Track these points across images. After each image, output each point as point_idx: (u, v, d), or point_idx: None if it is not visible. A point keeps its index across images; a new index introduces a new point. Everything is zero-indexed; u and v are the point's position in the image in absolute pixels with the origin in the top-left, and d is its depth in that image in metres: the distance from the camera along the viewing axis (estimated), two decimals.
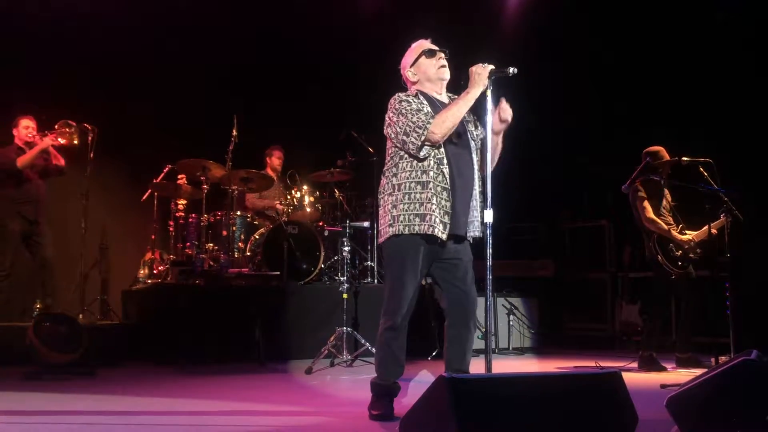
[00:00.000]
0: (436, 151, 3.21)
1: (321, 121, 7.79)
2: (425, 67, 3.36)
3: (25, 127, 6.23)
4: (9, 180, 6.15)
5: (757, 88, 6.73)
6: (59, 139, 6.23)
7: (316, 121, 7.90)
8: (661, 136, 5.72)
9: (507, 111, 3.25)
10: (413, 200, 3.20)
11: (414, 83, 3.40)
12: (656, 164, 5.43)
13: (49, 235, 6.32)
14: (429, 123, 3.15)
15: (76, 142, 6.28)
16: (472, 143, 3.34)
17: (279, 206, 6.81)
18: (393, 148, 3.33)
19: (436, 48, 3.39)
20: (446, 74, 3.37)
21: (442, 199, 3.17)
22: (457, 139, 3.27)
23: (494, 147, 3.25)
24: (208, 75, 7.56)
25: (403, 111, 3.22)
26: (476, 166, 3.30)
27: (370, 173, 6.80)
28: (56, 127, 6.26)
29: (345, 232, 5.99)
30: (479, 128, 3.40)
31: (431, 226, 3.15)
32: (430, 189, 3.17)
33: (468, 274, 3.29)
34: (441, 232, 3.15)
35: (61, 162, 6.34)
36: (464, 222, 3.24)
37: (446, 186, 3.18)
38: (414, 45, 3.45)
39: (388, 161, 3.36)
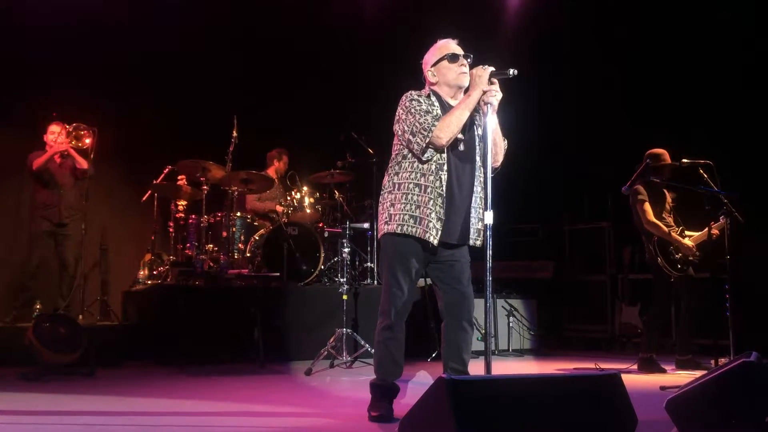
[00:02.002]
0: (439, 156, 3.20)
1: (321, 123, 7.79)
2: (445, 71, 3.31)
3: (51, 133, 6.42)
4: (36, 184, 6.42)
5: (758, 89, 6.73)
6: (72, 143, 6.38)
7: (316, 123, 7.90)
8: (662, 137, 5.73)
9: (493, 93, 3.08)
10: (410, 201, 3.20)
11: (433, 84, 3.37)
12: (656, 166, 5.43)
13: (75, 238, 6.41)
14: (434, 126, 3.14)
15: (88, 141, 6.41)
16: (478, 150, 3.30)
17: (279, 208, 6.81)
18: (398, 146, 3.33)
19: (460, 53, 3.32)
20: (465, 81, 3.27)
21: (437, 204, 3.17)
22: (463, 145, 3.25)
23: (494, 143, 3.18)
24: (208, 76, 7.55)
25: (413, 110, 3.21)
26: (479, 175, 3.27)
27: (370, 174, 6.80)
28: (69, 129, 6.41)
29: (345, 233, 6.00)
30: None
31: (425, 230, 3.15)
32: (428, 193, 3.18)
33: (464, 274, 3.29)
34: (433, 238, 3.15)
35: (84, 165, 6.41)
36: (458, 231, 3.23)
37: (441, 192, 3.18)
38: (439, 43, 3.38)
39: (393, 158, 3.35)
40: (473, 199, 3.26)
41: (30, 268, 6.33)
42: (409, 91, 3.31)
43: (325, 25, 7.93)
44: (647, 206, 5.43)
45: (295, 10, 7.78)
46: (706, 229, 5.17)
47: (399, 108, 3.30)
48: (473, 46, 3.38)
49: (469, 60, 3.31)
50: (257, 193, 7.00)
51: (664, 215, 5.51)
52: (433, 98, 3.30)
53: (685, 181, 5.22)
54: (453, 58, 3.30)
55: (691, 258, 5.39)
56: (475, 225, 3.26)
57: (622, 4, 7.55)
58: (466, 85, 3.27)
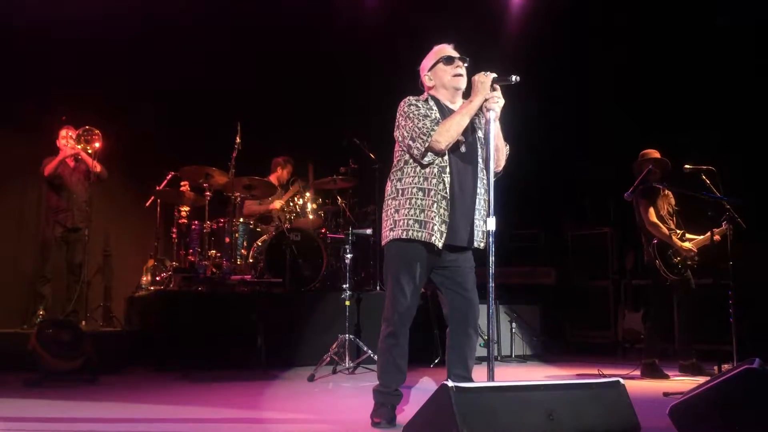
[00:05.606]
0: (441, 159, 3.20)
1: (324, 129, 7.80)
2: (441, 73, 3.33)
3: (63, 137, 6.47)
4: (48, 189, 6.48)
5: (758, 92, 6.73)
6: (79, 146, 6.40)
7: (318, 129, 7.91)
8: (664, 142, 5.73)
9: (495, 100, 3.09)
10: (414, 206, 3.20)
11: (430, 88, 3.39)
12: (657, 171, 5.45)
13: (84, 241, 6.40)
14: (433, 131, 3.15)
15: (98, 145, 6.43)
16: (480, 152, 3.31)
17: (277, 204, 6.80)
18: (400, 152, 3.33)
19: (456, 55, 3.34)
20: (461, 83, 3.30)
21: (441, 207, 3.17)
22: (464, 148, 3.26)
23: (496, 149, 3.19)
24: (211, 82, 7.58)
25: (411, 115, 3.22)
26: (482, 176, 3.28)
27: (372, 180, 6.82)
28: (79, 132, 6.44)
29: (347, 239, 6.00)
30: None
31: (430, 234, 3.15)
32: (431, 196, 3.18)
33: (469, 279, 3.28)
34: (438, 241, 3.15)
35: (97, 168, 6.43)
36: (463, 233, 3.22)
37: (446, 195, 3.18)
38: (435, 49, 3.41)
39: (395, 165, 3.35)
40: (477, 201, 3.27)
41: (44, 274, 6.37)
42: (407, 97, 3.32)
43: (328, 32, 7.96)
44: (651, 207, 5.44)
45: (296, 16, 7.81)
46: (708, 233, 5.16)
47: (398, 114, 3.31)
48: (474, 49, 3.38)
49: (466, 64, 3.33)
50: (260, 199, 7.00)
51: (665, 219, 5.52)
52: (431, 102, 3.31)
53: (688, 187, 5.22)
54: (448, 60, 3.33)
55: (689, 262, 5.39)
56: (479, 227, 3.26)
57: (624, 6, 7.56)
58: (463, 87, 3.31)
